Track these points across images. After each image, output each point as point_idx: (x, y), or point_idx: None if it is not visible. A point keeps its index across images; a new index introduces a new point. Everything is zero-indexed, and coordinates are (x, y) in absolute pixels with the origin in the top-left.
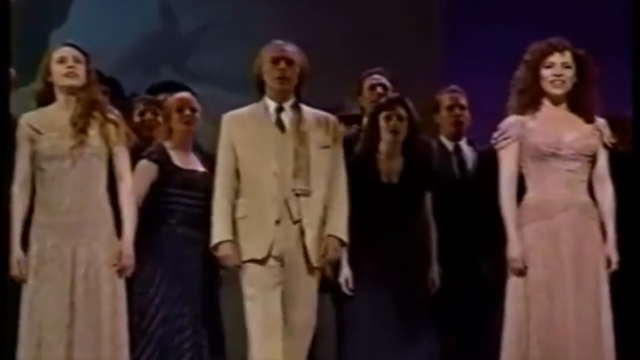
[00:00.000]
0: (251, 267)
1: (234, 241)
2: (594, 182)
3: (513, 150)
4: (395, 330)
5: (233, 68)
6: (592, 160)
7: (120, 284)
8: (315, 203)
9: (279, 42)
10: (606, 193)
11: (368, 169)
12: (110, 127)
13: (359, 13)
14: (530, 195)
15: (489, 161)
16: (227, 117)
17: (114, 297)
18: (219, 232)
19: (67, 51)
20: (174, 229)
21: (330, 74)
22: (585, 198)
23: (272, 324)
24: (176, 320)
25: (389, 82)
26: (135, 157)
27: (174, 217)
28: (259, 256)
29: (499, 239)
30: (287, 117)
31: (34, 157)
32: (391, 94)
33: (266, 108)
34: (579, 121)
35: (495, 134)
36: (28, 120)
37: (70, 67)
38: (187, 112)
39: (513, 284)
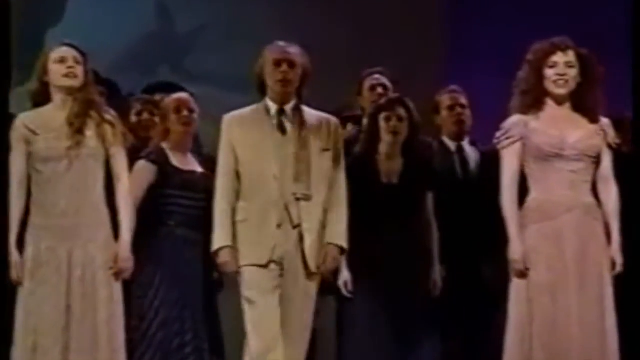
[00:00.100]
0: (250, 270)
1: (234, 247)
2: (598, 182)
3: (516, 150)
4: (397, 333)
5: (232, 68)
6: (596, 161)
7: (117, 288)
8: (315, 207)
9: (281, 43)
10: (610, 194)
11: (368, 169)
12: (107, 128)
13: (359, 13)
14: (533, 196)
15: (491, 161)
16: (228, 118)
17: (110, 300)
18: (219, 237)
19: (66, 51)
20: (173, 230)
21: (330, 75)
22: (589, 199)
23: (271, 328)
24: (175, 323)
25: (390, 83)
26: (132, 158)
27: (173, 218)
28: (261, 262)
29: (502, 240)
30: (288, 119)
31: (29, 158)
32: (391, 95)
33: (267, 110)
34: (583, 121)
35: (498, 134)
36: (24, 120)
37: (70, 67)
38: (185, 112)
39: (516, 286)
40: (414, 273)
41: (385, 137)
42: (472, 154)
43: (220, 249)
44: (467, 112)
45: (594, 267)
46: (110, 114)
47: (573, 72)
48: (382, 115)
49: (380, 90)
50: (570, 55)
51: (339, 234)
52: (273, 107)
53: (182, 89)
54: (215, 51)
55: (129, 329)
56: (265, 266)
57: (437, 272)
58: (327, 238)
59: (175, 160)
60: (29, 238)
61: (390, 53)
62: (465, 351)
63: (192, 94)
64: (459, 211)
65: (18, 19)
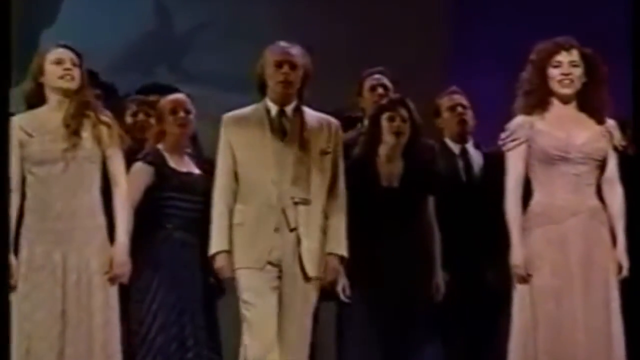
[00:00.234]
0: (246, 272)
1: (230, 252)
2: (603, 185)
3: (521, 152)
4: (398, 339)
5: (231, 68)
6: (601, 164)
7: (113, 293)
8: (314, 211)
9: (283, 44)
10: (616, 197)
11: (367, 172)
12: (103, 129)
13: (360, 13)
14: (536, 200)
15: (495, 164)
16: (227, 118)
17: (106, 306)
18: (216, 242)
19: (63, 53)
20: (170, 233)
21: (330, 75)
22: (594, 202)
23: (268, 329)
24: (174, 327)
25: (390, 83)
26: (128, 160)
27: (171, 221)
28: (257, 265)
29: (505, 244)
30: (288, 122)
31: (23, 161)
32: (393, 95)
33: (267, 111)
34: (589, 122)
35: (502, 135)
36: (19, 122)
37: (67, 69)
38: (182, 114)
39: (520, 290)
40: (416, 278)
41: (388, 138)
42: (476, 157)
43: (217, 253)
44: (469, 112)
45: (599, 272)
46: (107, 115)
47: (578, 72)
48: (385, 116)
49: (380, 90)
50: (574, 55)
51: (339, 243)
52: (273, 108)
53: (176, 90)
54: (214, 51)
55: (129, 333)
56: (261, 269)
57: (440, 277)
58: (327, 247)
59: (172, 161)
60: (23, 241)
61: (391, 53)
62: (469, 356)
63: (188, 95)
64: (463, 214)
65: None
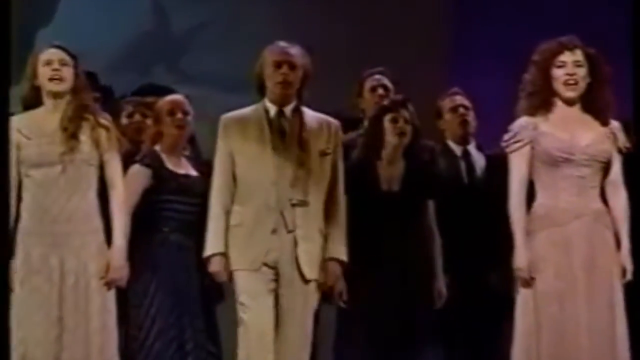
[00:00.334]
0: (242, 274)
1: (226, 254)
2: (607, 188)
3: (524, 154)
4: (399, 345)
5: (229, 68)
6: (606, 166)
7: (110, 297)
8: (312, 213)
9: (282, 44)
10: (619, 200)
11: (367, 175)
12: (101, 132)
13: (360, 13)
14: (539, 202)
15: (498, 166)
16: (225, 119)
17: (103, 310)
18: (211, 243)
19: (53, 53)
20: (167, 236)
21: (331, 75)
22: (598, 205)
23: (264, 331)
24: (172, 331)
25: (391, 83)
26: (124, 161)
27: (168, 224)
28: (253, 267)
29: (509, 247)
30: (287, 122)
31: (19, 163)
32: (394, 96)
33: (266, 112)
34: (593, 123)
35: (505, 136)
36: (16, 124)
37: (55, 70)
38: (179, 115)
39: (523, 294)
40: (417, 283)
41: (391, 139)
42: (478, 159)
43: (212, 255)
44: (471, 113)
45: (603, 275)
46: (105, 118)
47: (582, 72)
48: (388, 117)
49: (381, 91)
50: (578, 54)
51: (339, 247)
52: (272, 109)
53: (173, 91)
54: (213, 51)
55: (127, 338)
56: (257, 270)
57: (441, 281)
58: (327, 252)
59: (169, 163)
60: (20, 245)
61: (392, 54)
62: None
63: (186, 96)
64: (465, 217)
65: None
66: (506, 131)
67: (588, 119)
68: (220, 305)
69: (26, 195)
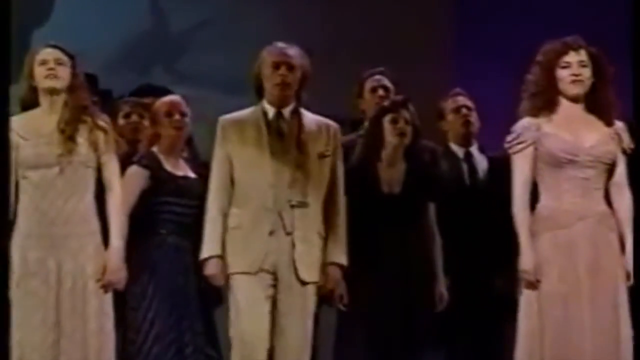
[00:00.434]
0: (240, 278)
1: (223, 257)
2: (611, 190)
3: (528, 155)
4: (400, 349)
5: (229, 69)
6: (610, 167)
7: (108, 299)
8: (311, 215)
9: (280, 44)
10: (624, 201)
11: (368, 177)
12: (99, 134)
13: (361, 13)
14: (543, 203)
15: (501, 167)
16: (224, 121)
17: (100, 312)
18: (208, 246)
19: (49, 53)
20: (164, 238)
21: (331, 76)
22: (602, 207)
23: (257, 340)
24: (171, 334)
25: (391, 84)
26: (121, 163)
27: (165, 226)
28: (251, 270)
29: (512, 250)
30: (285, 124)
31: (16, 164)
32: (395, 96)
33: (265, 113)
34: (597, 124)
35: (508, 138)
36: (14, 126)
37: (50, 69)
38: (177, 116)
39: (526, 297)
40: (417, 287)
41: (391, 140)
42: (480, 161)
43: (209, 258)
44: (474, 114)
45: (607, 278)
46: (103, 120)
47: (587, 72)
48: (388, 118)
49: (381, 92)
50: (583, 55)
51: (338, 251)
52: (270, 110)
53: (170, 92)
54: (213, 51)
55: (125, 341)
56: (255, 274)
57: (442, 285)
58: (327, 256)
59: (168, 165)
60: (15, 247)
61: (393, 54)
62: None
63: (183, 97)
64: (468, 220)
65: None
66: (508, 132)
67: (592, 119)
68: (219, 308)
69: (23, 197)
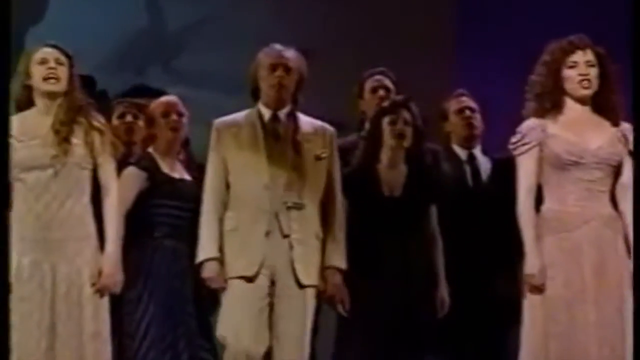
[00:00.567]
0: (237, 284)
1: (221, 259)
2: (618, 192)
3: (533, 156)
4: (400, 354)
5: (228, 68)
6: (616, 169)
7: (104, 304)
8: (308, 217)
9: (277, 46)
10: (630, 204)
11: (368, 180)
12: (95, 135)
13: (362, 12)
14: (547, 206)
15: (505, 170)
16: (218, 124)
17: (96, 317)
18: (205, 248)
19: (48, 52)
20: (160, 242)
21: (330, 76)
22: (608, 210)
23: (250, 350)
24: (166, 340)
25: (392, 84)
26: (117, 164)
27: (160, 229)
28: (249, 273)
29: (515, 253)
30: (282, 126)
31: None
32: (395, 97)
33: (260, 116)
34: (604, 124)
35: (513, 139)
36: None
37: (51, 68)
38: (174, 117)
39: (531, 302)
40: (418, 293)
41: (390, 142)
42: (484, 163)
43: (206, 260)
44: (477, 116)
45: (613, 283)
46: (99, 121)
47: (594, 72)
48: (386, 119)
49: (382, 92)
50: (589, 54)
51: (337, 255)
52: (266, 113)
53: (164, 93)
54: (212, 50)
55: (121, 347)
56: (253, 278)
57: (444, 290)
58: (326, 260)
59: (165, 167)
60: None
61: (395, 54)
62: None
63: (180, 97)
64: (471, 223)
65: None
66: (510, 132)
67: (598, 120)
68: (215, 312)
69: (17, 200)
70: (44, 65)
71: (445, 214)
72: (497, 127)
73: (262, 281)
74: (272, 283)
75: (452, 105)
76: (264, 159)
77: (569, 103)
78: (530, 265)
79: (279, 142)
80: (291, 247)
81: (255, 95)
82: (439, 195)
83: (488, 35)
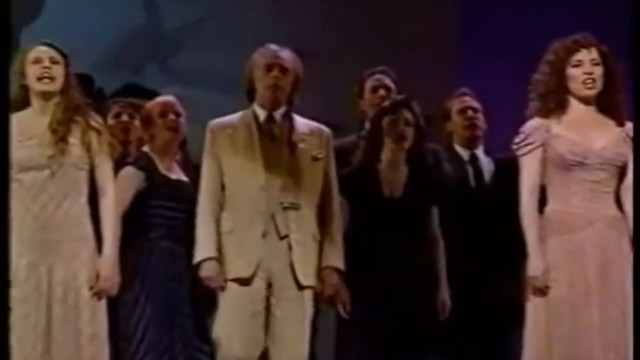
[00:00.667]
0: (234, 287)
1: (219, 259)
2: (623, 193)
3: (536, 157)
4: (401, 357)
5: (227, 68)
6: (621, 170)
7: (102, 307)
8: (305, 217)
9: (273, 47)
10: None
11: (369, 180)
12: (93, 135)
13: (363, 12)
14: (551, 207)
15: (508, 170)
16: (213, 126)
17: (93, 320)
18: (203, 248)
19: (43, 51)
20: (157, 243)
21: (332, 77)
22: (613, 211)
23: (246, 350)
24: (162, 343)
25: (393, 83)
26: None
27: (157, 230)
28: (246, 274)
29: (518, 255)
30: (277, 126)
31: None
32: (396, 96)
33: (256, 116)
34: (609, 124)
35: (516, 139)
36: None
37: (45, 67)
38: (172, 117)
39: (534, 304)
40: (419, 295)
41: (389, 143)
42: (486, 164)
43: (204, 260)
44: (480, 116)
45: (618, 285)
46: (97, 121)
47: (599, 71)
48: (386, 119)
49: (382, 92)
50: (594, 53)
51: (334, 255)
52: (262, 114)
53: (158, 94)
54: (208, 50)
55: (118, 350)
56: (249, 281)
57: (446, 293)
58: (324, 261)
59: (162, 167)
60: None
61: (396, 53)
62: None
63: (178, 96)
64: (473, 225)
65: None
66: (512, 131)
67: (603, 120)
68: (212, 314)
69: (15, 201)
70: (38, 65)
71: (447, 215)
72: (500, 127)
73: (258, 284)
74: (269, 285)
75: (455, 105)
76: (260, 160)
77: (573, 103)
78: (534, 267)
79: (275, 143)
80: (290, 248)
81: (250, 96)
82: (440, 196)
83: (489, 34)
